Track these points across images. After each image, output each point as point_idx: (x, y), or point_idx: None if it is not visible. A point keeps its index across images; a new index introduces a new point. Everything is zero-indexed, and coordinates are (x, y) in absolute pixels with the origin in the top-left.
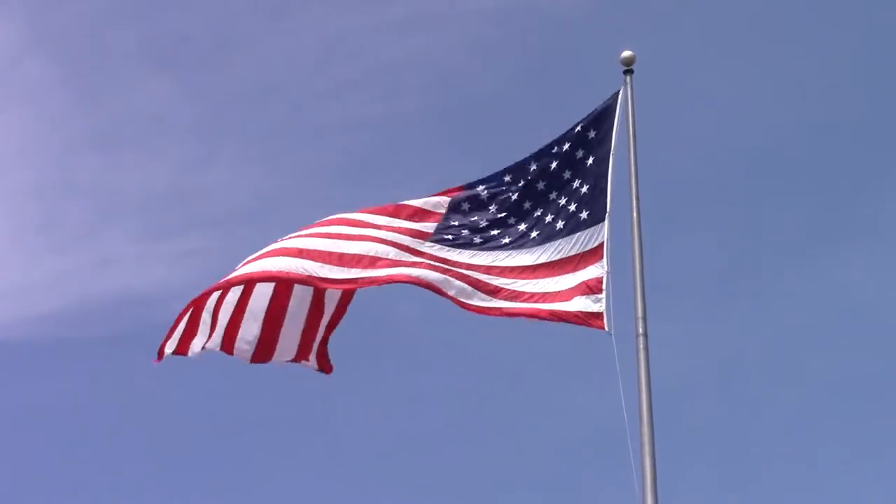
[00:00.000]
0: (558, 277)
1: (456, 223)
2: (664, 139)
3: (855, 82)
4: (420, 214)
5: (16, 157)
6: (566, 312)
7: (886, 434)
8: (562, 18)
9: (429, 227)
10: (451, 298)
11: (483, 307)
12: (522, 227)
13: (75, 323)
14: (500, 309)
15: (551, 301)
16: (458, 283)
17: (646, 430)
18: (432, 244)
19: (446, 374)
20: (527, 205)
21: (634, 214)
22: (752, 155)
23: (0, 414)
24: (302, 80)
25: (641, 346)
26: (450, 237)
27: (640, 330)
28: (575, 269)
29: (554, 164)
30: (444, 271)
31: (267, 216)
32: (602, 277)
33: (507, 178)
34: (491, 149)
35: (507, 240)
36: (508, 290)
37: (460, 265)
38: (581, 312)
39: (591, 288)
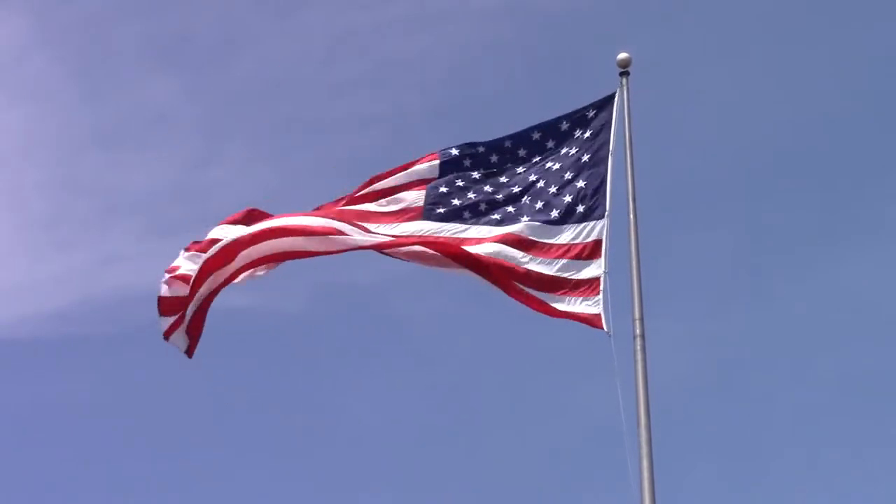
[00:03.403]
0: (557, 262)
1: (445, 189)
2: (663, 139)
3: (855, 81)
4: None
5: (20, 155)
6: (566, 312)
7: (889, 434)
8: (564, 17)
9: (418, 197)
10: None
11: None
12: (511, 209)
13: (79, 320)
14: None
15: (552, 293)
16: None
17: (643, 431)
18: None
19: (445, 373)
20: (516, 189)
21: (632, 216)
22: (752, 154)
23: (4, 411)
24: (307, 78)
25: (639, 348)
26: (440, 210)
27: (638, 331)
28: (574, 258)
29: (537, 158)
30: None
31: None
32: (600, 277)
33: (493, 158)
34: None
35: (497, 216)
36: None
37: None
38: (580, 312)
39: (588, 287)
